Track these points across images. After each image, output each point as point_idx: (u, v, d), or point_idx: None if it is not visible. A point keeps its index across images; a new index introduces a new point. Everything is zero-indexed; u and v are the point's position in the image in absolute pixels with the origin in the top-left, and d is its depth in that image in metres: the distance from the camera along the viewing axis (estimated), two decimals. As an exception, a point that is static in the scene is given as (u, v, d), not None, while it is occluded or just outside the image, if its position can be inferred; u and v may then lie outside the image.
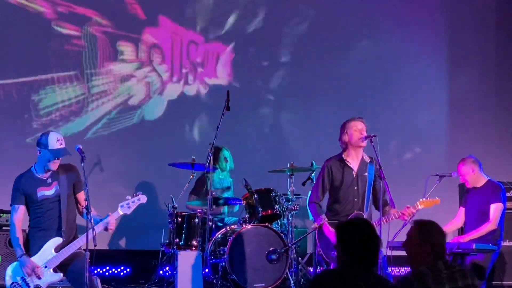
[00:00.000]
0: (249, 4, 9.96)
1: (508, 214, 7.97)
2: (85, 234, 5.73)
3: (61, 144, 5.93)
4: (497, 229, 7.42)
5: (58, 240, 5.92)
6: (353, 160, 6.96)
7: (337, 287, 3.98)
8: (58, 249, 5.91)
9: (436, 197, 6.96)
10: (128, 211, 6.08)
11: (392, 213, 6.83)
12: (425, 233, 4.33)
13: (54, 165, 5.95)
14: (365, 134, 6.89)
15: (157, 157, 9.38)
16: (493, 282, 8.03)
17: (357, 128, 6.91)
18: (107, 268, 9.10)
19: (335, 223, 6.61)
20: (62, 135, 6.06)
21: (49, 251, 5.90)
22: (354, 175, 6.93)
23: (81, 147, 5.89)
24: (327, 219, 6.82)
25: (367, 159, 6.97)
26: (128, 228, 9.19)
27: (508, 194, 8.23)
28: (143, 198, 6.13)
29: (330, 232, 6.77)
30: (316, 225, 6.82)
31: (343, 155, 6.98)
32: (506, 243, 8.09)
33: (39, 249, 5.91)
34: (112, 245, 9.29)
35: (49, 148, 5.88)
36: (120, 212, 6.05)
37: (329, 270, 4.99)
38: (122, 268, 9.23)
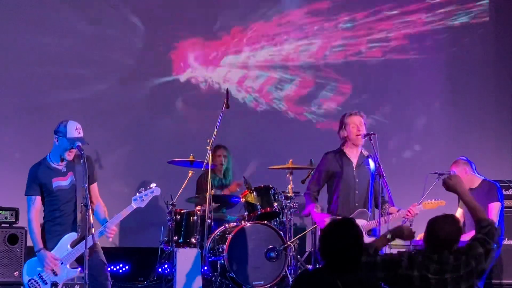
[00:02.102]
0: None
1: (507, 212, 7.97)
2: (99, 229, 5.74)
3: (79, 133, 5.84)
4: (498, 228, 7.41)
5: (73, 236, 5.82)
6: (352, 153, 6.98)
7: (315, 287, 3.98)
8: (73, 244, 5.81)
9: (440, 199, 6.97)
10: (142, 204, 5.93)
11: (392, 212, 6.82)
12: (432, 225, 4.40)
13: (70, 155, 5.83)
14: (363, 128, 6.89)
15: (155, 154, 9.37)
16: (492, 280, 8.03)
17: (355, 124, 6.92)
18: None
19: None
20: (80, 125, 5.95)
21: (65, 247, 5.81)
22: (354, 167, 6.93)
23: (80, 144, 5.83)
24: (319, 207, 6.84)
25: (365, 153, 6.99)
26: (127, 225, 9.18)
27: (508, 193, 8.24)
28: (156, 191, 5.99)
29: (317, 215, 6.80)
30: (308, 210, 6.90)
31: (342, 148, 6.99)
32: (505, 242, 8.08)
33: (55, 245, 5.82)
34: (111, 242, 9.25)
35: (68, 136, 5.78)
36: (134, 205, 5.91)
37: (310, 270, 5.00)
38: (121, 265, 9.23)
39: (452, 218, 4.47)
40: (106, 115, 9.49)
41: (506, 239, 8.15)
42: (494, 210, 7.40)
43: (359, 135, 6.88)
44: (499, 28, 10.38)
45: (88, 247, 5.62)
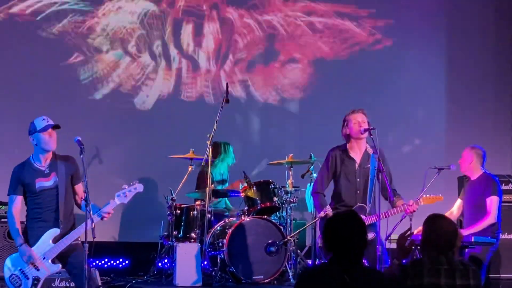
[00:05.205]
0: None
1: (506, 207, 7.97)
2: (82, 224, 5.72)
3: (48, 121, 5.93)
4: (496, 222, 7.41)
5: (55, 231, 5.88)
6: (356, 153, 6.95)
7: (322, 283, 3.92)
8: (55, 240, 5.87)
9: (440, 194, 6.95)
10: (125, 200, 6.00)
11: (398, 206, 6.80)
12: (431, 225, 4.34)
13: (51, 142, 5.89)
14: (365, 125, 6.87)
15: (156, 149, 9.37)
16: (490, 275, 8.03)
17: (357, 121, 6.89)
18: (106, 260, 9.11)
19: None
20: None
21: (47, 242, 5.86)
22: (356, 167, 6.91)
23: (80, 138, 5.88)
24: (331, 210, 6.78)
25: (370, 151, 6.94)
26: (127, 220, 9.21)
27: (508, 187, 8.24)
28: (139, 187, 6.04)
29: None
30: (322, 214, 6.78)
31: (346, 147, 6.98)
32: (503, 236, 8.08)
33: (37, 240, 5.87)
34: (111, 237, 9.29)
35: (38, 128, 5.88)
36: (117, 201, 5.97)
37: (314, 266, 4.95)
38: (121, 260, 9.24)
39: (448, 218, 4.47)
40: (105, 111, 9.49)
41: (506, 233, 8.16)
42: (492, 204, 7.38)
43: (360, 130, 6.86)
44: (499, 26, 10.38)
45: (73, 240, 5.79)
